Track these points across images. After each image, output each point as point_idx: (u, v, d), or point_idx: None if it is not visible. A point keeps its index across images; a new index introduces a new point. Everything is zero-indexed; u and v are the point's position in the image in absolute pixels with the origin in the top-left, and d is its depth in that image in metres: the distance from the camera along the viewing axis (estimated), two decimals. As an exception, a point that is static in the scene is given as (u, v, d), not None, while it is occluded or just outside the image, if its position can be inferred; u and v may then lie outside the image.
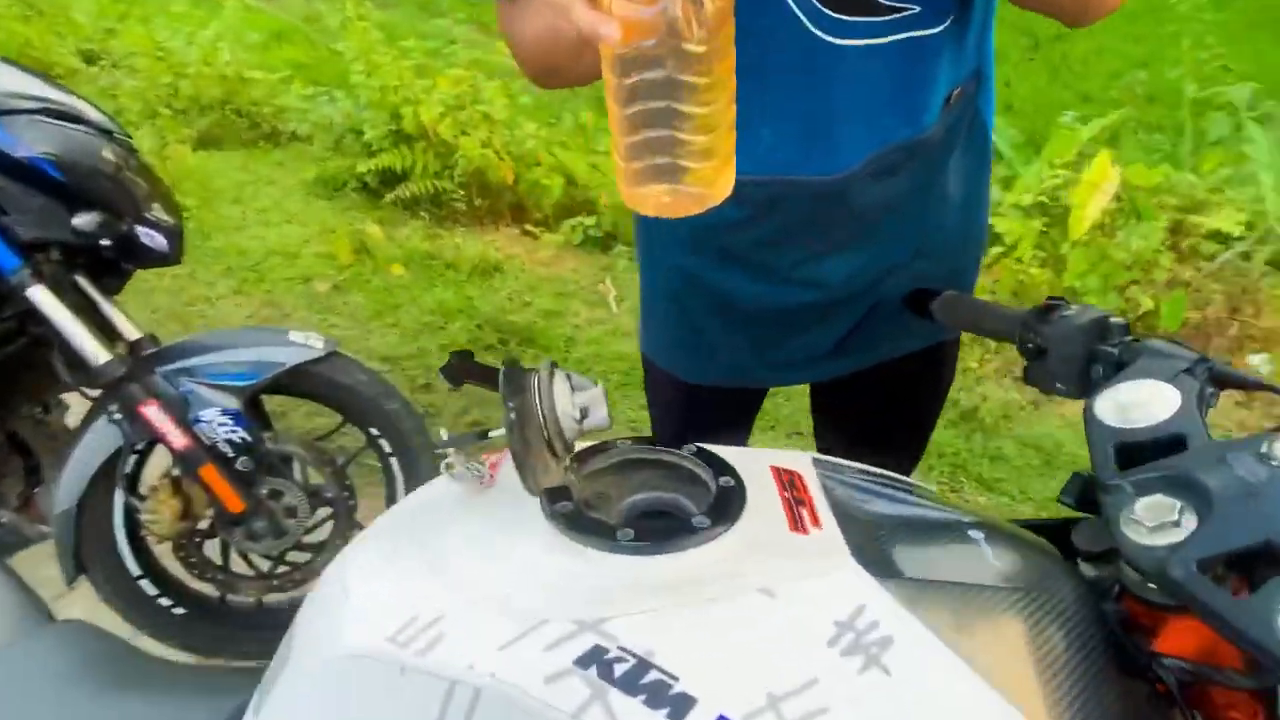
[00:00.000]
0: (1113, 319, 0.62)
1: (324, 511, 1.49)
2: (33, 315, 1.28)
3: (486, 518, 0.46)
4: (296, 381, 1.40)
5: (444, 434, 0.47)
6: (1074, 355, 0.63)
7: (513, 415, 0.42)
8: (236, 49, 4.02)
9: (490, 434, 0.46)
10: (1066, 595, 0.47)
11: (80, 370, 1.28)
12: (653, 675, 0.37)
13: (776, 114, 0.66)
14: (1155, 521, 0.46)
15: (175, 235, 1.33)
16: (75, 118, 1.25)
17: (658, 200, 0.47)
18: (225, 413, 1.32)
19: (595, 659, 0.37)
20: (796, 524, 0.45)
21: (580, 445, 0.48)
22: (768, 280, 0.82)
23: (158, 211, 1.31)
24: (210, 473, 1.31)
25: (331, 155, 3.30)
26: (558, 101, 3.55)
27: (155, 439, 1.31)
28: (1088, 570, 0.53)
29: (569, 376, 0.44)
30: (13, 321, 1.28)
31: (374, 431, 1.47)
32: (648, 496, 0.47)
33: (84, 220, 1.19)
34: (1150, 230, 1.81)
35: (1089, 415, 0.56)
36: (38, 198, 1.20)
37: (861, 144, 0.70)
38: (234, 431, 1.33)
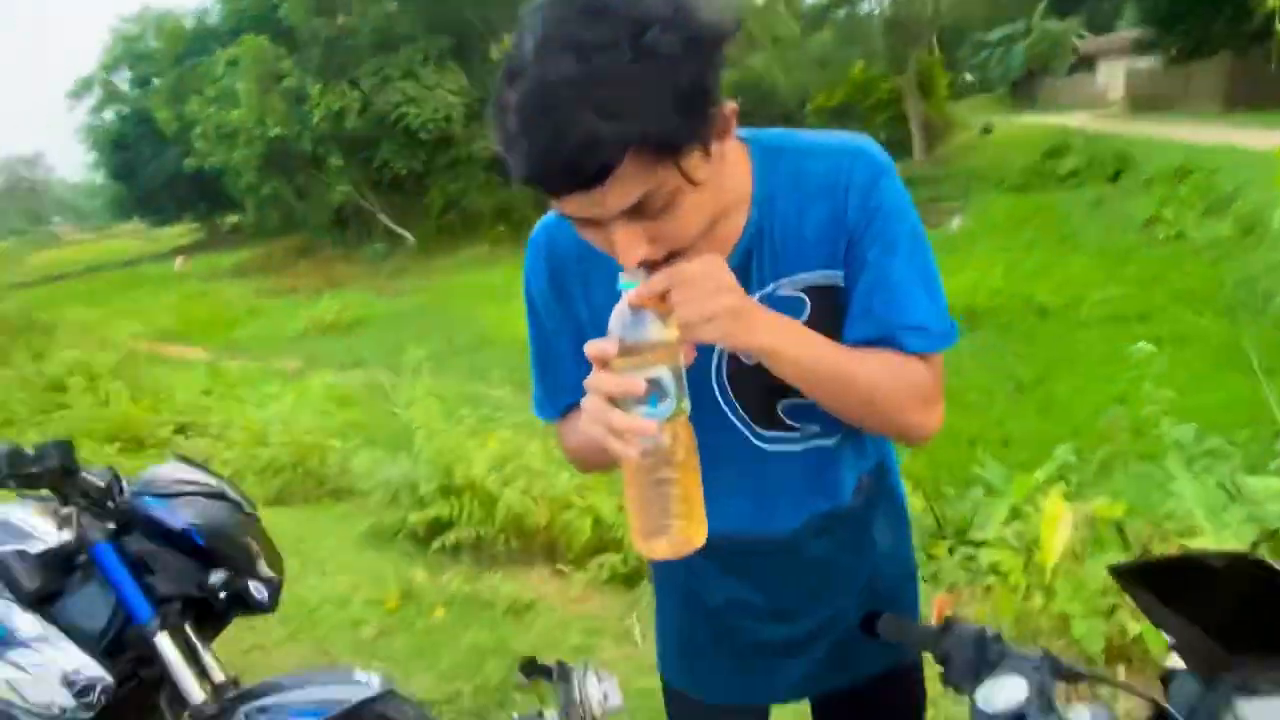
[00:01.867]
0: (987, 631, 0.86)
1: None
2: (144, 660, 1.53)
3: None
4: (357, 717, 1.57)
5: (515, 716, 0.71)
6: (966, 660, 0.86)
7: (562, 696, 0.67)
8: (313, 416, 4.69)
9: (544, 713, 0.70)
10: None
11: (180, 708, 1.49)
12: None
13: (733, 492, 0.97)
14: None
15: (277, 589, 1.63)
16: (219, 495, 1.62)
17: (661, 549, 0.76)
18: (299, 748, 1.49)
19: None
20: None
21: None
22: (753, 618, 1.07)
23: (265, 569, 1.61)
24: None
25: (386, 508, 3.70)
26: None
27: (231, 774, 1.46)
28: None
29: (597, 671, 0.69)
30: (129, 666, 1.52)
31: (420, 767, 1.59)
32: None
33: (215, 578, 1.50)
34: (1115, 559, 2.02)
35: (971, 704, 0.78)
36: (180, 559, 1.52)
37: (796, 513, 0.99)
38: (306, 767, 1.48)
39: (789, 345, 0.82)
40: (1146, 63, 24.23)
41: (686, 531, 0.78)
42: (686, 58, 0.70)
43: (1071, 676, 0.79)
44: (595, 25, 0.68)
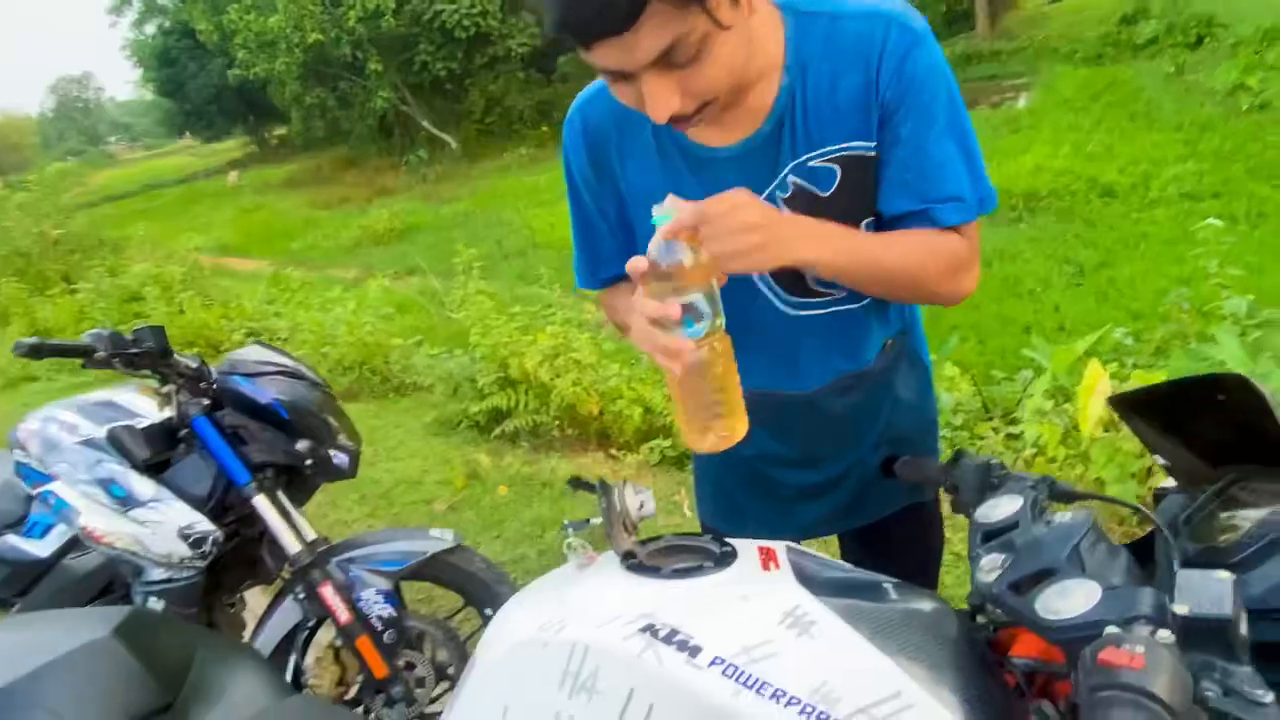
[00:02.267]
0: (991, 461, 0.94)
1: (444, 685, 1.77)
2: (245, 520, 1.73)
3: (589, 575, 0.80)
4: (431, 568, 1.76)
5: (567, 522, 0.82)
6: (971, 486, 0.94)
7: (605, 509, 0.78)
8: (374, 319, 4.89)
9: (592, 520, 0.81)
10: (944, 617, 0.76)
11: (279, 560, 1.69)
12: (679, 636, 0.68)
13: (760, 353, 1.04)
14: (989, 567, 0.76)
15: (355, 457, 1.79)
16: (298, 375, 1.77)
17: (708, 444, 0.84)
18: (379, 592, 1.69)
19: (648, 629, 0.69)
20: (766, 567, 0.77)
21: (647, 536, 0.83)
22: (781, 465, 1.17)
23: (344, 439, 1.78)
24: (365, 643, 1.65)
25: (449, 401, 3.91)
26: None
27: (326, 614, 1.67)
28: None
29: (635, 486, 0.80)
30: (232, 526, 1.72)
31: (488, 613, 1.78)
32: (681, 557, 0.80)
33: (300, 445, 1.67)
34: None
35: (970, 519, 0.87)
36: (269, 431, 1.68)
37: (820, 373, 1.06)
38: (385, 608, 1.68)
39: (824, 255, 0.85)
40: (1244, -90, 21.82)
41: (728, 428, 0.84)
42: None
43: (1065, 496, 0.86)
44: None
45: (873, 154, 0.91)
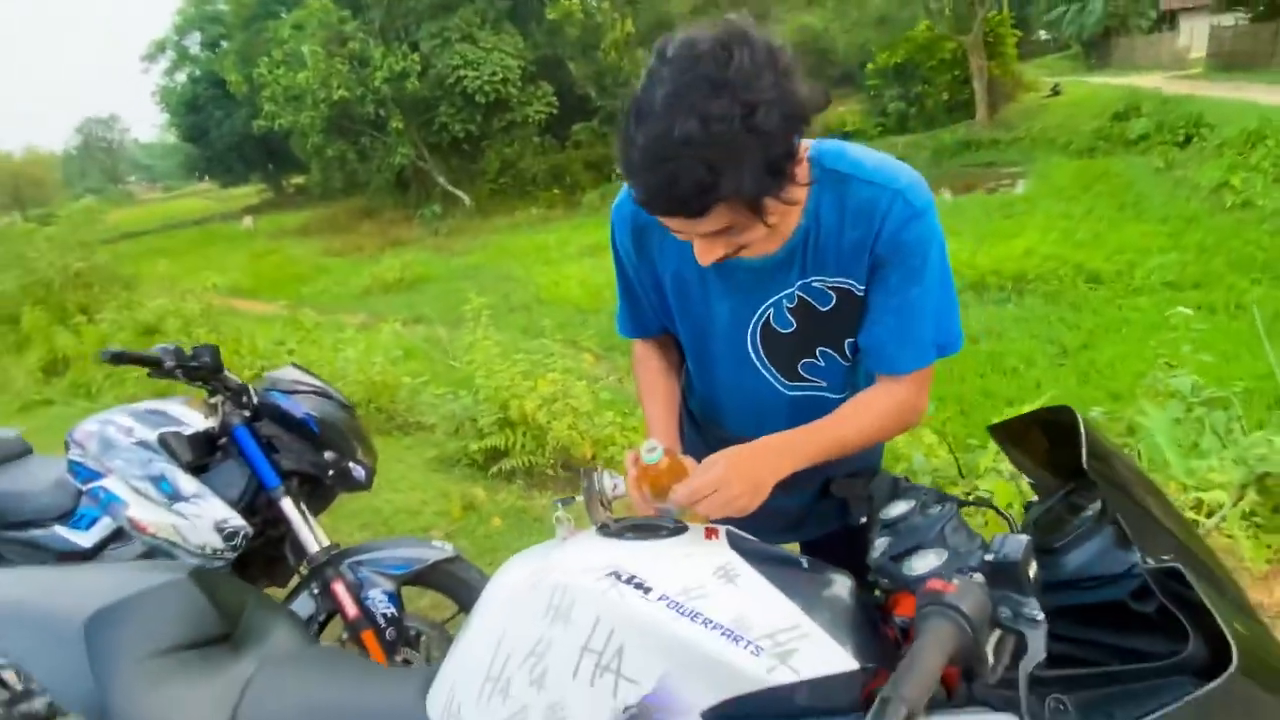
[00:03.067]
0: (900, 478, 1.17)
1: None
2: (272, 522, 1.94)
3: (571, 541, 1.03)
4: (431, 575, 1.96)
5: (556, 499, 1.05)
6: (883, 493, 1.17)
7: (586, 488, 1.01)
8: (383, 361, 5.13)
9: (576, 498, 1.04)
10: (844, 584, 0.99)
11: (298, 557, 1.90)
12: (636, 579, 0.91)
13: (758, 421, 1.24)
14: (880, 548, 0.99)
15: (371, 472, 2.01)
16: (327, 395, 2.01)
17: None
18: (384, 593, 1.88)
19: (613, 574, 0.92)
20: (708, 537, 0.99)
21: (621, 515, 1.06)
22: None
23: (363, 454, 2.00)
24: (369, 637, 1.84)
25: (450, 439, 4.12)
26: (632, 399, 4.38)
27: (336, 609, 1.86)
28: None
29: (610, 473, 1.03)
30: (259, 525, 1.93)
31: (480, 619, 1.98)
32: (643, 530, 1.03)
33: (327, 455, 1.89)
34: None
35: (877, 517, 1.10)
36: (299, 443, 1.91)
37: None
38: (388, 607, 1.88)
39: (798, 464, 1.09)
40: (1232, 19, 23.04)
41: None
42: (783, 131, 0.88)
43: (945, 499, 1.09)
44: (717, 98, 0.85)
45: (860, 292, 1.13)
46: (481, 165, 23.19)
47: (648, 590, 0.90)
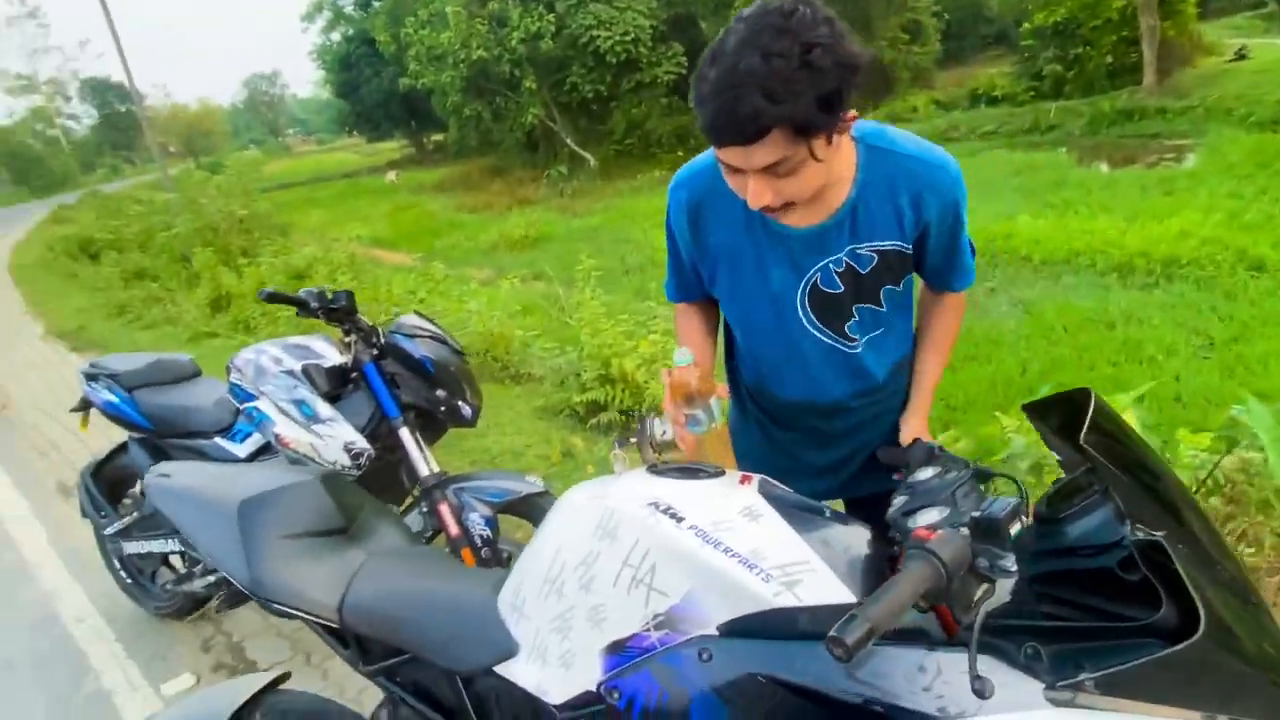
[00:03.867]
0: (936, 446, 1.26)
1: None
2: (390, 448, 2.22)
3: (624, 476, 1.19)
4: (524, 506, 2.19)
5: (615, 440, 1.21)
6: (918, 460, 1.26)
7: (639, 432, 1.17)
8: (501, 314, 5.47)
9: (631, 439, 1.20)
10: (861, 534, 1.10)
11: (412, 480, 2.17)
12: (672, 510, 1.06)
13: (801, 373, 1.40)
14: (897, 504, 1.10)
15: (477, 411, 2.26)
16: (443, 340, 2.26)
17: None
18: (482, 517, 2.13)
19: (654, 504, 1.07)
20: (742, 483, 1.13)
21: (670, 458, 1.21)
22: (801, 445, 1.53)
23: (470, 395, 2.25)
24: (466, 554, 2.09)
25: (555, 391, 4.39)
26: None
27: (440, 527, 2.13)
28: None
29: (660, 419, 1.18)
30: (380, 450, 2.22)
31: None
32: (688, 472, 1.17)
33: (440, 393, 2.15)
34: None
35: (904, 481, 1.20)
36: (416, 381, 2.17)
37: (844, 389, 1.42)
38: (484, 530, 2.13)
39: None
40: None
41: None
42: (833, 73, 1.01)
43: (965, 468, 1.17)
44: (780, 39, 0.99)
45: (906, 251, 1.30)
46: (609, 126, 23.46)
47: (680, 520, 1.06)
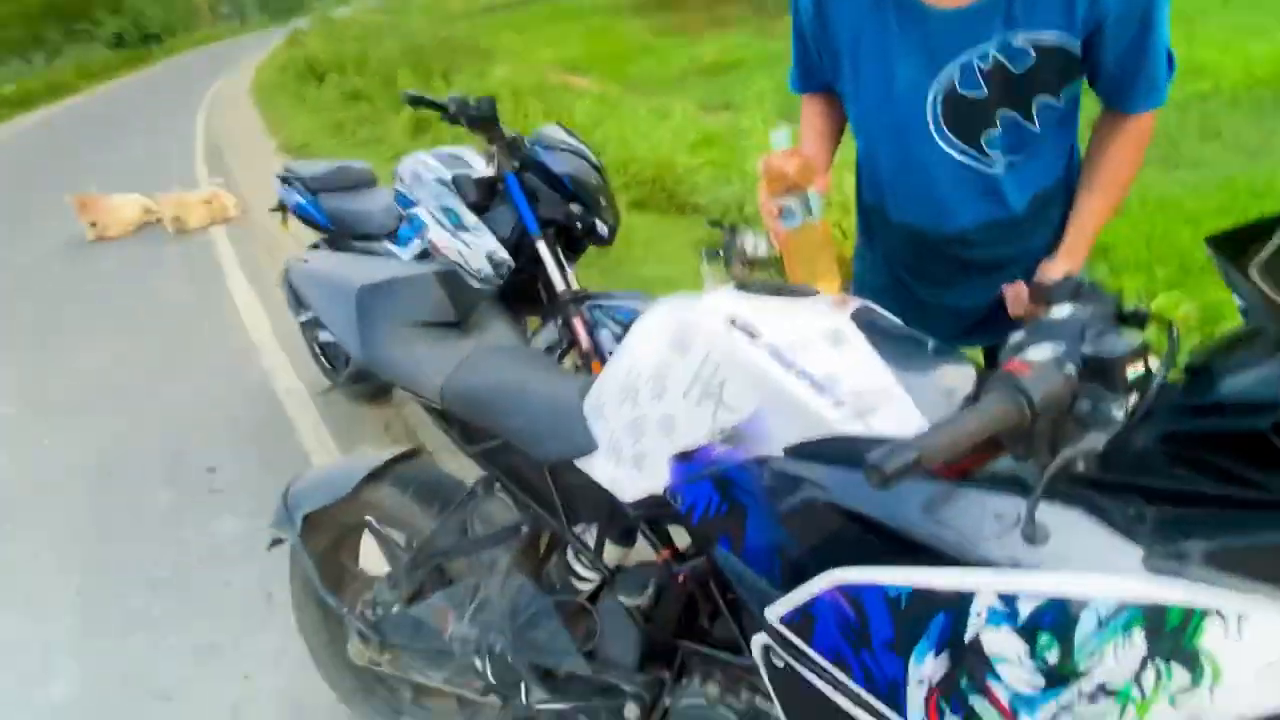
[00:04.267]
0: (1083, 281, 1.07)
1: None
2: (533, 261, 2.28)
3: (714, 292, 1.13)
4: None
5: (703, 253, 1.15)
6: (1062, 295, 1.08)
7: (727, 244, 1.09)
8: (674, 142, 5.32)
9: (719, 253, 1.13)
10: (959, 367, 0.98)
11: (549, 294, 2.24)
12: (750, 327, 1.00)
13: (918, 191, 1.22)
14: (1015, 339, 0.96)
15: (614, 229, 2.24)
16: (583, 155, 2.23)
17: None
18: (613, 334, 2.17)
19: (732, 320, 1.01)
20: (836, 306, 1.04)
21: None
22: (916, 281, 1.37)
23: (607, 213, 2.23)
24: (595, 367, 2.16)
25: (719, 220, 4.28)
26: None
27: (573, 341, 2.20)
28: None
29: (753, 233, 1.09)
30: (522, 262, 2.29)
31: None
32: (779, 291, 1.09)
33: (576, 209, 2.15)
34: None
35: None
36: (555, 196, 2.18)
37: (968, 215, 1.22)
38: (615, 346, 2.17)
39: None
40: None
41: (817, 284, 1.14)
42: None
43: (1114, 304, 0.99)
44: None
45: (1074, 51, 1.04)
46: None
47: (756, 337, 0.99)
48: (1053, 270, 1.19)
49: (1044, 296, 1.19)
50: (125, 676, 1.96)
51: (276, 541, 1.57)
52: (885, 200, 1.29)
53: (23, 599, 2.28)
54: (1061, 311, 1.01)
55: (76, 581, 2.32)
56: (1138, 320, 1.01)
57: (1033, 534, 0.71)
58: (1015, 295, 1.23)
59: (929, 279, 1.34)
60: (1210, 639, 0.75)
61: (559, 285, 2.19)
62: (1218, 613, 0.74)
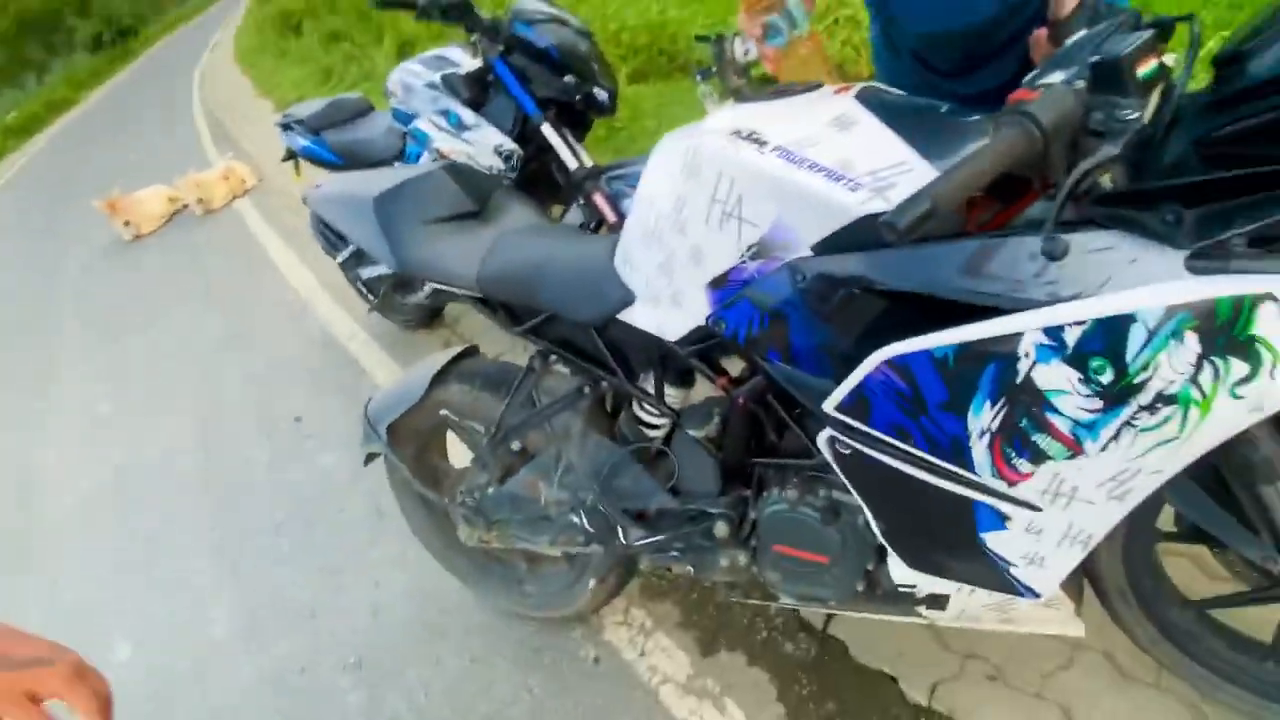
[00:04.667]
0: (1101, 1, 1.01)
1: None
2: (542, 149, 2.26)
3: (716, 111, 1.11)
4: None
5: (696, 73, 1.12)
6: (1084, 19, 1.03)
7: (717, 56, 1.06)
8: (666, 3, 5.04)
9: (712, 70, 1.10)
10: (977, 125, 0.95)
11: (564, 176, 2.23)
12: (755, 135, 0.98)
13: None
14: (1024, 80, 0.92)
15: (613, 95, 2.19)
16: (565, 22, 2.15)
17: None
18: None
19: (735, 133, 1.00)
20: (837, 93, 1.01)
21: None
22: (940, 76, 1.31)
23: (604, 79, 2.17)
24: (625, 238, 2.16)
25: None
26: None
27: (598, 217, 2.20)
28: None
29: (741, 38, 1.06)
30: (532, 150, 2.26)
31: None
32: (774, 93, 1.07)
33: (568, 79, 2.10)
34: None
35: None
36: (545, 72, 2.13)
37: (985, 5, 1.15)
38: (639, 213, 2.16)
39: None
40: None
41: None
42: None
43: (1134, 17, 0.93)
44: None
45: None
46: None
47: (763, 144, 0.98)
48: (1068, 2, 1.12)
49: (1062, 31, 1.14)
50: (272, 604, 2.17)
51: (370, 457, 1.68)
52: (897, 13, 1.24)
53: (168, 557, 2.51)
54: (1077, 38, 0.97)
55: (209, 537, 2.53)
56: (1159, 27, 0.95)
57: (1052, 249, 0.71)
58: (1037, 40, 1.17)
59: (957, 72, 1.29)
60: (1263, 324, 0.75)
61: (572, 165, 2.17)
62: (1269, 296, 0.74)
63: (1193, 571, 1.37)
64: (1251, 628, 1.17)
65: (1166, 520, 1.12)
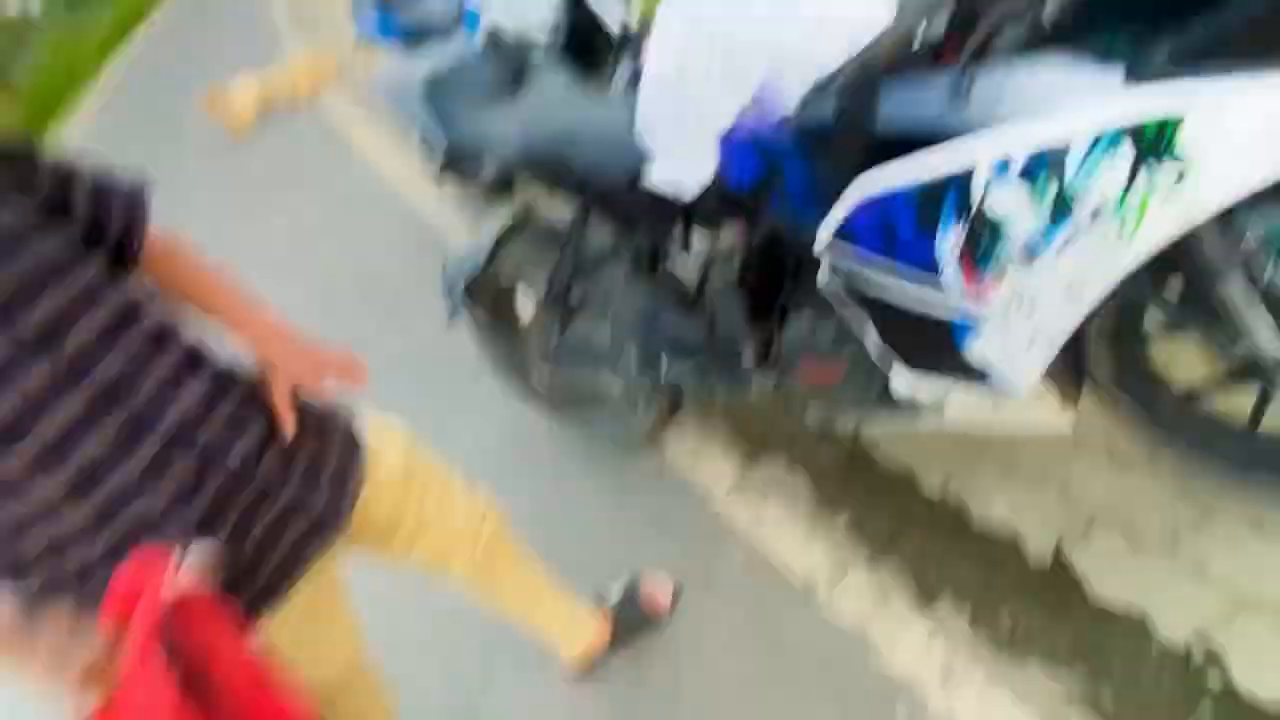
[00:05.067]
0: None
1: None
2: (586, 15, 2.29)
3: None
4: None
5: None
6: None
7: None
8: None
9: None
10: None
11: (611, 35, 2.28)
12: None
13: None
14: None
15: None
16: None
17: None
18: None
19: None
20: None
21: None
22: None
23: None
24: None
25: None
26: None
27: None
28: None
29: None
30: (576, 16, 2.31)
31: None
32: None
33: None
34: None
35: None
36: None
37: None
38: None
39: None
40: None
41: None
42: None
43: None
44: None
45: None
46: None
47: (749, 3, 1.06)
48: None
49: None
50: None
51: (453, 315, 1.92)
52: None
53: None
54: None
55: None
56: None
57: (964, 89, 0.80)
58: None
59: None
60: (1189, 137, 0.82)
61: (613, 26, 2.22)
62: (1196, 110, 0.81)
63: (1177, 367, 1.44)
64: (1230, 413, 1.27)
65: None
